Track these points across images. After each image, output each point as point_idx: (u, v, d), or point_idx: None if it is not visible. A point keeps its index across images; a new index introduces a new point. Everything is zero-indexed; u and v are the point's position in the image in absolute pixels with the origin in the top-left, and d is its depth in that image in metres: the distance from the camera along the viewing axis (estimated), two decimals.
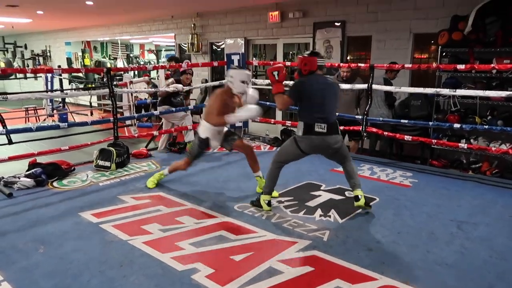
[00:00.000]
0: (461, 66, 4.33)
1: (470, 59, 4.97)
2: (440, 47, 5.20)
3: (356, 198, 3.35)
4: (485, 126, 4.51)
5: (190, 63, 5.67)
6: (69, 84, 12.48)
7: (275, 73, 3.24)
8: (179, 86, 5.44)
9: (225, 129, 3.88)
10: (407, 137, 4.81)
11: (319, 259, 2.65)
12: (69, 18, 10.12)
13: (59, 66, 12.53)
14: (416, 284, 2.37)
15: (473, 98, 4.89)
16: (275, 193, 3.80)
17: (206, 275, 2.45)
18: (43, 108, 10.07)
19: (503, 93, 4.20)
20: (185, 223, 3.20)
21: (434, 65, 4.97)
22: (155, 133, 5.67)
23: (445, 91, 4.63)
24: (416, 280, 2.42)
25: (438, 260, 2.64)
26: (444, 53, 5.23)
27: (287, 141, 3.41)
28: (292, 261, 2.63)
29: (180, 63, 5.76)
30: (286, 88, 3.37)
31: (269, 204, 3.44)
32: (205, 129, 3.75)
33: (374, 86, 4.94)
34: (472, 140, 5.09)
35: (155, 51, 14.46)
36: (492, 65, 4.34)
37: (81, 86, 12.12)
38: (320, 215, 3.37)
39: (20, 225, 3.16)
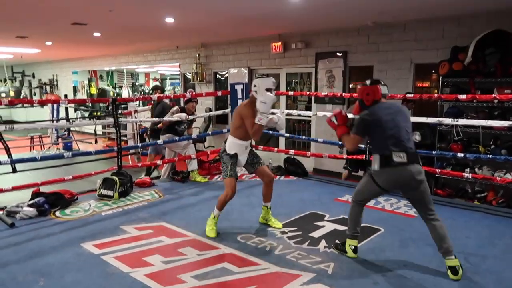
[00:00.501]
0: (462, 96, 4.37)
1: (471, 89, 5.02)
2: (441, 77, 5.26)
3: (454, 271, 2.76)
4: (489, 156, 4.50)
5: (193, 92, 5.74)
6: (75, 112, 12.63)
7: (333, 119, 3.10)
8: (183, 115, 5.49)
9: (250, 147, 3.77)
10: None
11: None
12: (76, 48, 10.36)
13: (66, 95, 12.75)
14: None
15: (476, 127, 4.90)
16: (278, 224, 3.75)
17: None
18: (48, 136, 10.17)
19: (505, 123, 4.22)
20: (188, 255, 3.15)
21: (436, 95, 5.00)
22: (159, 162, 5.69)
23: (448, 121, 4.65)
24: None
25: None
26: (445, 83, 5.28)
27: (363, 178, 3.10)
28: None
29: (162, 93, 5.92)
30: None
31: (355, 250, 3.10)
32: (232, 145, 3.63)
33: None
34: (476, 169, 5.06)
35: (160, 80, 14.70)
36: (493, 95, 4.37)
37: (86, 114, 12.27)
38: (325, 247, 3.32)
39: (21, 256, 3.13)
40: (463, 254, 3.16)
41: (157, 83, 10.01)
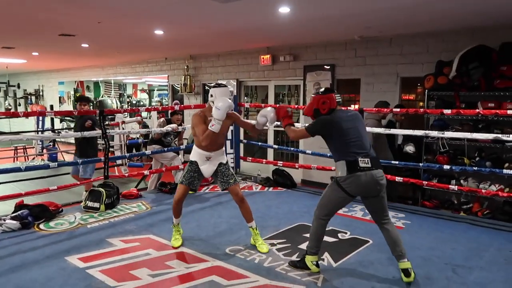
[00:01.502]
0: (447, 111, 4.45)
1: (456, 102, 5.13)
2: (426, 90, 5.37)
3: (407, 273, 2.86)
4: (474, 168, 4.57)
5: (180, 104, 5.74)
6: (60, 123, 12.47)
7: (288, 109, 3.27)
8: (174, 125, 5.48)
9: (221, 160, 3.57)
10: (398, 178, 4.84)
11: None
12: (64, 59, 10.29)
13: (52, 106, 12.59)
14: None
15: (461, 140, 4.99)
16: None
17: None
18: (33, 147, 10.00)
19: (490, 136, 4.30)
20: (175, 268, 3.11)
21: (422, 110, 5.10)
22: (146, 172, 5.63)
23: (434, 133, 4.73)
24: None
25: None
26: (431, 96, 5.38)
27: (326, 189, 3.04)
28: None
29: (89, 107, 5.81)
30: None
31: (317, 265, 3.05)
32: (193, 153, 3.57)
33: (368, 129, 4.99)
34: (462, 181, 5.14)
35: (147, 91, 14.64)
36: (477, 110, 4.47)
37: (72, 125, 12.11)
38: None
39: (3, 271, 3.04)
40: (450, 266, 3.19)
41: (83, 95, 9.67)
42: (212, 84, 3.59)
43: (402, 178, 4.83)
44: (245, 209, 3.52)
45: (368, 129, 4.94)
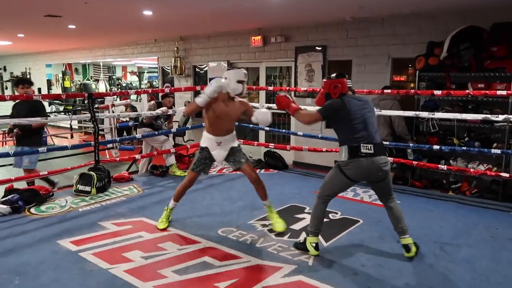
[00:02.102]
0: (438, 92, 4.47)
1: (446, 83, 5.14)
2: (417, 71, 5.37)
3: (407, 249, 2.98)
4: (463, 148, 4.62)
5: (171, 86, 5.67)
6: (49, 106, 12.29)
7: (288, 95, 3.22)
8: (164, 108, 5.42)
9: (232, 144, 3.57)
10: (389, 159, 4.87)
11: (304, 285, 2.63)
12: (50, 41, 10.06)
13: (39, 89, 12.37)
14: None
15: (451, 121, 5.03)
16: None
17: None
18: None
19: (479, 116, 4.34)
20: (168, 250, 3.13)
21: (412, 91, 5.11)
22: (137, 156, 5.60)
23: (424, 114, 4.76)
24: None
25: (422, 283, 2.65)
26: (422, 77, 5.39)
27: (330, 172, 3.07)
28: (278, 287, 2.59)
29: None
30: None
31: (316, 247, 3.05)
32: (203, 139, 3.59)
33: (400, 112, 4.96)
34: (451, 161, 5.20)
35: (137, 73, 14.46)
36: (467, 90, 4.49)
37: (61, 108, 11.96)
38: (305, 239, 3.34)
39: None
40: (439, 244, 3.26)
41: (24, 76, 9.08)
42: (227, 68, 3.64)
43: (392, 159, 4.87)
44: (260, 187, 3.53)
45: (400, 112, 4.91)
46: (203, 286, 2.60)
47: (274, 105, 5.79)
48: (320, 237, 3.36)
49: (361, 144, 2.85)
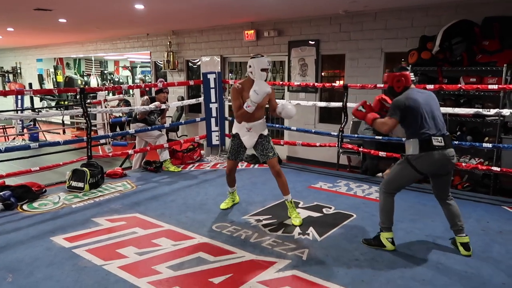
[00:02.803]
0: (430, 86, 4.49)
1: (439, 77, 5.17)
2: (410, 65, 5.38)
3: (466, 247, 2.98)
4: (455, 142, 4.65)
5: (165, 82, 5.63)
6: (40, 101, 12.18)
7: (360, 108, 3.14)
8: (157, 103, 5.39)
9: (262, 131, 3.66)
10: (382, 153, 4.91)
11: (298, 279, 2.64)
12: (41, 35, 9.94)
13: (30, 84, 12.24)
14: None
15: (443, 115, 5.04)
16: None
17: None
18: (13, 127, 9.77)
19: (471, 110, 4.38)
20: (162, 245, 3.13)
21: None
22: (130, 151, 5.57)
23: None
24: None
25: (416, 277, 2.68)
26: (414, 71, 5.40)
27: (395, 166, 3.08)
28: (272, 282, 2.60)
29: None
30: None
31: (393, 242, 3.05)
32: (234, 125, 3.72)
33: (349, 104, 5.04)
34: None
35: (130, 68, 14.33)
36: (459, 85, 4.52)
37: (53, 104, 11.84)
38: (299, 233, 3.36)
39: None
40: (431, 237, 3.29)
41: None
42: (251, 55, 3.71)
43: (385, 153, 4.90)
44: (281, 182, 3.61)
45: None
46: (198, 282, 2.61)
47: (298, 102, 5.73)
48: (313, 231, 3.40)
49: (432, 137, 2.86)
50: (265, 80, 3.54)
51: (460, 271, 2.76)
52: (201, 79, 6.19)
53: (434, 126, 2.89)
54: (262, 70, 3.50)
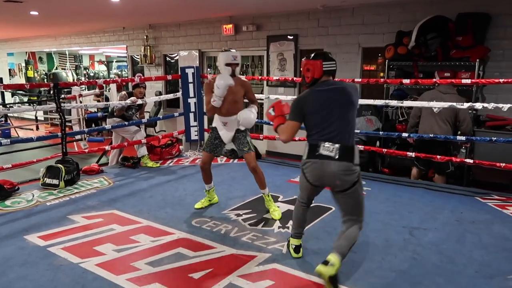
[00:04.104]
0: (406, 81, 4.58)
1: (414, 72, 5.27)
2: (387, 60, 5.47)
3: (325, 262, 2.33)
4: (430, 135, 4.76)
5: (142, 77, 5.53)
6: (12, 97, 11.78)
7: (271, 110, 2.69)
8: (133, 98, 5.29)
9: (238, 126, 3.60)
10: (360, 147, 4.97)
11: (278, 272, 2.65)
12: (11, 28, 9.59)
13: (1, 79, 11.82)
14: None
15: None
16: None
17: None
18: None
19: (445, 104, 4.46)
20: (141, 242, 3.08)
21: (382, 80, 5.21)
22: (107, 147, 5.46)
23: (393, 103, 4.86)
24: None
25: (393, 267, 2.73)
26: (391, 66, 5.50)
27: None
28: (252, 275, 2.60)
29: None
30: None
31: (296, 250, 2.79)
32: (214, 119, 3.72)
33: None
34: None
35: (105, 62, 14.03)
36: (434, 79, 4.61)
37: (25, 99, 11.48)
38: (279, 227, 3.38)
39: None
40: (407, 228, 3.36)
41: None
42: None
43: (363, 147, 4.97)
44: (257, 177, 3.62)
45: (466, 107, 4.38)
46: (178, 277, 2.58)
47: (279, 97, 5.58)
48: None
49: (321, 144, 2.41)
50: (233, 75, 3.50)
51: (435, 260, 2.83)
52: (179, 73, 6.11)
53: (328, 131, 2.41)
54: (227, 64, 3.48)
